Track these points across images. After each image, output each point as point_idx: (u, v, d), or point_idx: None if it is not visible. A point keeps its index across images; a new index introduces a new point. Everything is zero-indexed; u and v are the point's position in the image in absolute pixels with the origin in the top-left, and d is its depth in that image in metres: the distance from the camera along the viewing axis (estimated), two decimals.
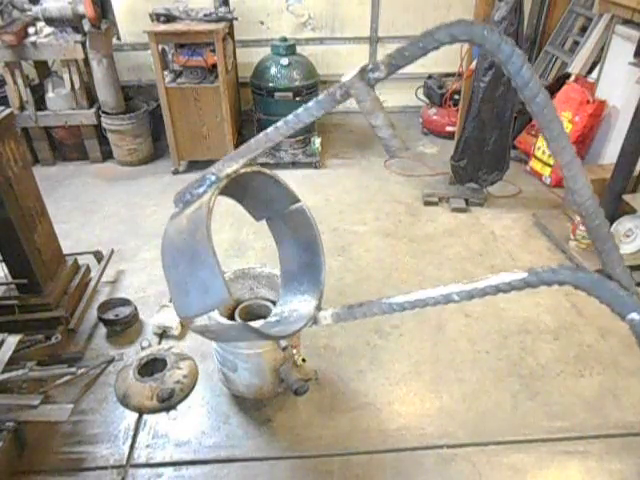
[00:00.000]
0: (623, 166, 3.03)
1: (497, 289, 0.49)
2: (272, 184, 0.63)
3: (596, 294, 0.47)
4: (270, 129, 0.54)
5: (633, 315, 0.47)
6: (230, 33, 4.38)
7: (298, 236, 0.67)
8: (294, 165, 4.34)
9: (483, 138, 3.49)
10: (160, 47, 3.87)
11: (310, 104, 0.52)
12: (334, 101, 0.51)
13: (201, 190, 0.56)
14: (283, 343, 1.79)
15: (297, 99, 4.18)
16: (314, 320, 0.64)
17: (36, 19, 3.87)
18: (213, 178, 0.56)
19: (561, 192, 3.81)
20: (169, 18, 3.89)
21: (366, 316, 0.55)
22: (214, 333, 0.66)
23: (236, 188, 0.61)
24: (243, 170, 0.57)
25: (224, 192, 0.60)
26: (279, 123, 0.54)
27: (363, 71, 0.49)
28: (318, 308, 0.65)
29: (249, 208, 0.69)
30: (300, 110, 0.53)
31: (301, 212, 0.65)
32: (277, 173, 0.89)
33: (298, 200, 0.66)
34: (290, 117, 0.53)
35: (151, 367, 2.40)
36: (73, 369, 2.27)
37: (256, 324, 0.70)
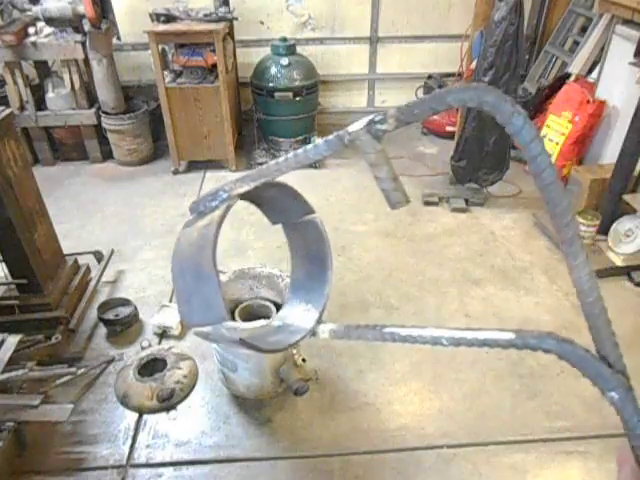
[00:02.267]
0: (623, 166, 3.03)
1: (483, 343, 0.50)
2: (286, 195, 0.64)
3: (580, 368, 0.48)
4: (281, 159, 0.56)
5: (612, 394, 0.47)
6: (230, 33, 4.38)
7: (309, 246, 0.68)
8: None
9: (483, 138, 3.49)
10: (160, 47, 3.87)
11: (320, 143, 0.53)
12: (342, 145, 0.53)
13: (214, 204, 0.57)
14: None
15: (297, 99, 4.18)
16: (313, 333, 0.65)
17: (36, 19, 3.87)
18: (225, 195, 0.56)
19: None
20: (169, 18, 3.89)
21: (360, 339, 0.55)
22: (215, 341, 0.66)
23: (253, 195, 0.63)
24: (264, 183, 0.59)
25: (241, 198, 0.62)
26: (290, 155, 0.55)
27: (370, 123, 0.49)
28: (319, 321, 0.64)
29: (266, 213, 0.70)
30: (310, 147, 0.54)
31: (314, 224, 0.66)
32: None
33: (313, 212, 0.66)
34: (300, 151, 0.55)
35: (151, 367, 2.40)
36: (73, 369, 2.27)
37: (258, 326, 0.71)
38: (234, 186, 0.57)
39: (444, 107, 0.46)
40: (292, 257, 0.71)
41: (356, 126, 0.51)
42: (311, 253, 0.68)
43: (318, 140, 0.54)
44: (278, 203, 0.65)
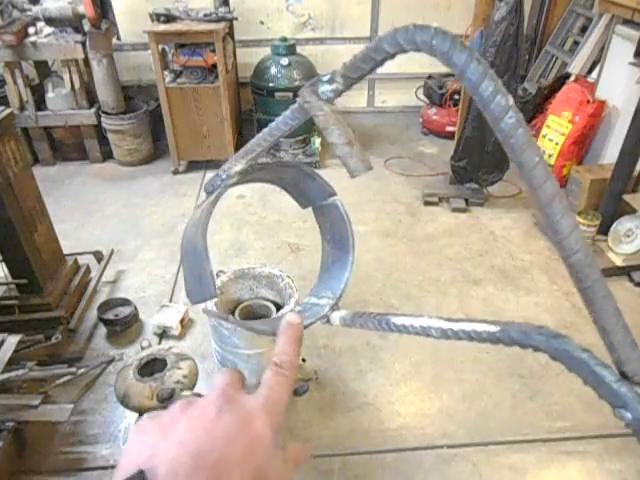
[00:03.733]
0: (623, 166, 3.03)
1: (469, 335, 0.43)
2: (304, 176, 0.63)
3: (579, 374, 0.37)
4: (260, 134, 0.56)
5: (624, 412, 0.36)
6: (230, 33, 4.38)
7: (333, 230, 0.67)
8: None
9: (483, 138, 3.49)
10: (160, 47, 3.87)
11: (287, 112, 0.51)
12: (305, 111, 0.49)
13: (217, 183, 0.57)
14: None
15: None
16: (327, 319, 0.63)
17: (36, 19, 3.86)
18: (224, 176, 0.56)
19: (561, 192, 3.81)
20: (169, 18, 3.89)
21: (363, 327, 0.54)
22: (231, 323, 0.66)
23: (272, 177, 0.63)
24: (271, 162, 0.59)
25: (260, 180, 0.62)
26: (265, 130, 0.54)
27: (316, 83, 0.45)
28: (333, 308, 0.63)
29: (293, 197, 0.69)
30: (279, 118, 0.52)
31: (335, 207, 0.65)
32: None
33: (334, 194, 0.66)
34: (272, 124, 0.53)
35: (151, 367, 2.39)
36: (73, 369, 2.27)
37: (279, 314, 0.72)
38: (231, 165, 0.57)
39: (383, 54, 0.41)
40: (322, 241, 0.71)
41: (303, 87, 0.48)
42: (336, 237, 0.67)
43: (286, 111, 0.53)
44: (301, 185, 0.64)
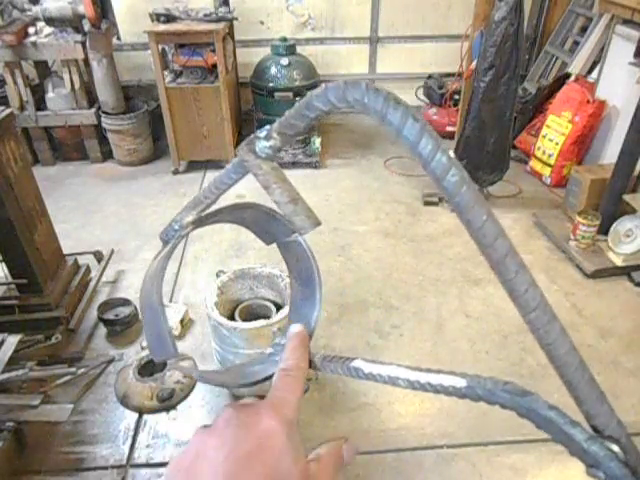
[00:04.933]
0: (623, 166, 3.03)
1: (435, 389, 0.42)
2: (264, 215, 0.61)
3: (549, 432, 0.35)
4: (206, 187, 0.53)
5: (594, 471, 0.33)
6: (230, 33, 4.38)
7: (299, 266, 0.63)
8: (294, 165, 4.34)
9: (483, 138, 3.49)
10: (160, 47, 3.87)
11: (228, 166, 0.49)
12: (244, 168, 0.47)
13: (172, 234, 0.54)
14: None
15: (297, 99, 4.18)
16: None
17: (36, 19, 3.87)
18: (177, 226, 0.53)
19: (561, 192, 3.81)
20: (169, 18, 3.89)
21: (332, 372, 0.52)
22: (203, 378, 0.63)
23: (234, 218, 0.60)
24: (226, 206, 0.56)
25: (222, 221, 0.60)
26: (211, 181, 0.52)
27: (252, 141, 0.43)
28: None
29: (255, 234, 0.67)
30: (222, 171, 0.50)
31: (298, 244, 0.63)
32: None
33: (296, 231, 0.63)
34: (217, 177, 0.51)
35: (151, 367, 2.40)
36: (73, 369, 2.27)
37: (247, 360, 0.67)
38: (183, 216, 0.54)
39: (316, 112, 0.39)
40: (290, 279, 0.68)
41: (240, 145, 0.46)
42: (302, 274, 0.64)
43: (228, 165, 0.50)
44: (262, 224, 0.62)
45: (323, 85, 0.37)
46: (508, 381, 0.37)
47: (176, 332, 2.60)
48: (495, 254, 0.35)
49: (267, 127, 0.43)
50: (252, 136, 0.44)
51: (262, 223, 0.62)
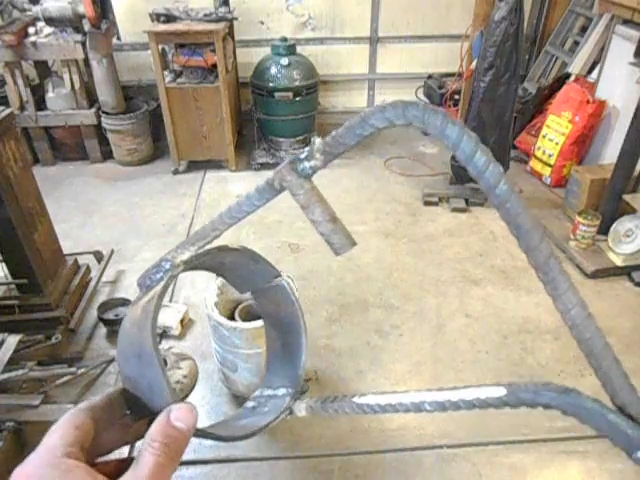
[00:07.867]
0: (623, 166, 3.03)
1: (471, 405, 0.41)
2: (246, 259, 0.59)
3: (593, 425, 0.39)
4: (216, 217, 0.51)
5: (639, 454, 0.36)
6: (230, 33, 4.38)
7: (279, 312, 0.62)
8: None
9: (483, 138, 3.49)
10: (160, 47, 3.87)
11: (252, 192, 0.48)
12: (274, 190, 0.47)
13: (158, 276, 0.51)
14: None
15: (297, 99, 4.18)
16: (290, 411, 0.58)
17: (36, 19, 3.87)
18: (167, 266, 0.51)
19: (561, 192, 3.81)
20: (169, 18, 3.89)
21: (338, 413, 0.50)
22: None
23: (212, 263, 0.58)
24: (214, 247, 0.54)
25: (200, 267, 0.57)
26: (224, 210, 0.50)
27: (294, 162, 0.45)
28: (295, 397, 0.58)
29: (231, 282, 0.65)
30: (242, 199, 0.49)
31: (281, 288, 0.61)
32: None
33: (279, 274, 0.62)
34: (234, 205, 0.50)
35: None
36: (73, 369, 2.27)
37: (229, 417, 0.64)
38: (176, 254, 0.51)
39: (370, 130, 0.41)
40: (265, 328, 0.64)
41: (281, 166, 0.46)
42: (283, 320, 0.62)
43: (250, 191, 0.49)
44: (242, 269, 0.60)
45: (376, 105, 0.40)
46: (547, 382, 0.39)
47: (176, 332, 2.60)
48: (541, 255, 0.39)
49: (307, 149, 0.45)
50: (294, 157, 0.45)
51: (241, 269, 0.60)
